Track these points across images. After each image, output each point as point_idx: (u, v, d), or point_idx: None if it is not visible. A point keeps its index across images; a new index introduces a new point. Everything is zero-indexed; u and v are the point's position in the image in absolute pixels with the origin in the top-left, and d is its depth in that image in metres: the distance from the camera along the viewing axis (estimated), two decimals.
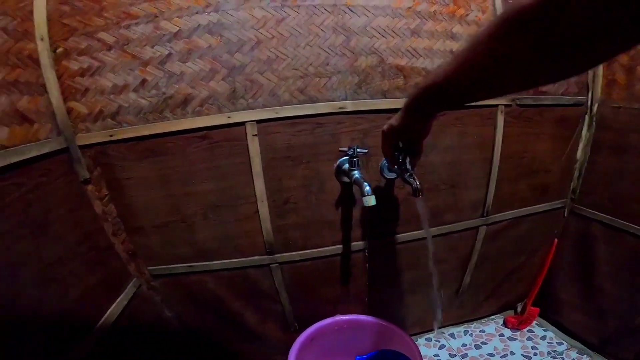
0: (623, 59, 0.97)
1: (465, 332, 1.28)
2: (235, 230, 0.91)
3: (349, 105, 0.85)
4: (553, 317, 1.28)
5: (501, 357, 1.16)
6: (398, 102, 0.87)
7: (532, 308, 1.28)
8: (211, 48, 0.76)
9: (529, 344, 1.21)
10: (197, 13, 0.75)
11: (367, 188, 0.75)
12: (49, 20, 0.69)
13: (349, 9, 0.81)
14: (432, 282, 0.88)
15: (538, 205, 1.15)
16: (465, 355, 1.18)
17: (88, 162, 0.78)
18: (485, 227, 1.11)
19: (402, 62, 0.87)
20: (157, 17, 0.73)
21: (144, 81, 0.75)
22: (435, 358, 1.18)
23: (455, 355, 1.18)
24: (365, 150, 0.85)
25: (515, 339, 1.23)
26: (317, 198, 0.92)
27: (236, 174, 0.85)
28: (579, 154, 1.13)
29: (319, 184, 0.91)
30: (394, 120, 0.56)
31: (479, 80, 0.36)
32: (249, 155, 0.83)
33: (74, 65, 0.72)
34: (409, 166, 0.68)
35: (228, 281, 0.97)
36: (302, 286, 1.02)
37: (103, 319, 0.76)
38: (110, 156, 0.79)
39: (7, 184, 0.58)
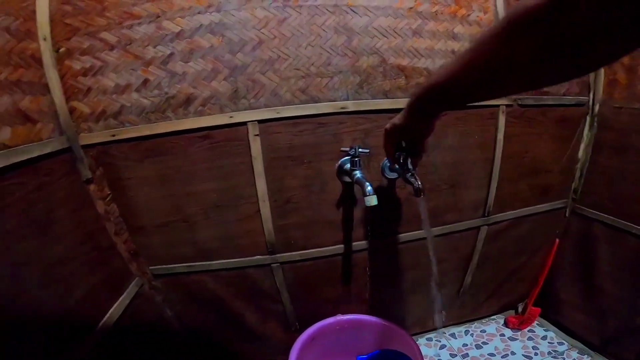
0: (624, 59, 0.97)
1: (466, 332, 1.28)
2: (236, 230, 0.91)
3: (351, 105, 0.85)
4: (554, 317, 1.28)
5: (502, 357, 1.16)
6: (399, 102, 0.87)
7: (533, 308, 1.28)
8: (213, 48, 0.77)
9: (530, 344, 1.21)
10: (199, 13, 0.75)
11: (369, 188, 0.75)
12: (52, 20, 0.70)
13: (351, 9, 0.82)
14: (432, 282, 0.88)
15: (539, 206, 1.15)
16: (466, 355, 1.18)
17: (90, 162, 0.78)
18: (486, 227, 1.11)
19: (404, 62, 0.87)
20: (159, 17, 0.73)
21: (146, 81, 0.76)
22: (436, 358, 1.18)
23: (456, 355, 1.18)
24: (367, 150, 0.85)
25: (516, 339, 1.24)
26: (319, 198, 0.92)
27: (238, 174, 0.85)
28: (580, 154, 1.13)
29: (321, 184, 0.91)
30: (397, 119, 0.56)
31: (482, 80, 0.37)
32: (250, 155, 0.84)
33: (76, 65, 0.72)
34: (410, 166, 0.68)
35: (229, 281, 0.97)
36: (303, 286, 1.03)
37: (105, 319, 0.76)
38: (113, 156, 0.79)
39: (10, 183, 0.58)
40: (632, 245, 0.99)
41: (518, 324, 1.27)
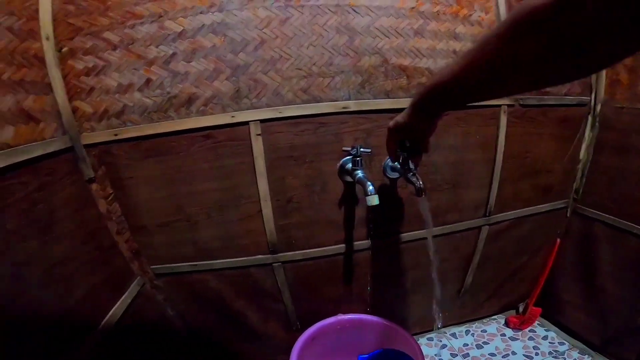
0: (627, 59, 0.97)
1: (467, 331, 1.28)
2: (238, 229, 0.91)
3: (352, 105, 0.86)
4: (555, 317, 1.28)
5: (503, 357, 1.16)
6: (401, 102, 0.87)
7: (534, 308, 1.28)
8: (215, 48, 0.77)
9: (531, 344, 1.21)
10: (201, 13, 0.75)
11: (370, 187, 0.75)
12: (55, 19, 0.70)
13: (353, 9, 0.82)
14: (433, 282, 0.88)
15: (540, 206, 1.15)
16: (467, 355, 1.18)
17: (93, 161, 0.78)
18: (487, 227, 1.11)
19: (406, 62, 0.87)
20: (161, 16, 0.74)
21: (148, 81, 0.76)
22: (437, 358, 1.18)
23: (457, 355, 1.18)
24: (369, 150, 0.85)
25: (517, 339, 1.24)
26: (320, 197, 0.92)
27: (240, 174, 0.86)
28: (581, 154, 1.12)
29: (322, 184, 0.91)
30: (400, 117, 0.57)
31: (485, 80, 0.37)
32: (252, 154, 0.84)
33: (79, 65, 0.73)
34: (412, 165, 0.68)
35: (231, 280, 0.98)
36: (305, 285, 1.03)
37: (107, 318, 0.76)
38: (115, 155, 0.79)
39: (13, 183, 0.58)
40: (634, 245, 0.99)
41: (519, 323, 1.27)
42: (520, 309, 1.32)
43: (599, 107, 1.06)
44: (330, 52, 0.82)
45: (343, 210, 0.95)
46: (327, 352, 1.01)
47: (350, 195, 0.94)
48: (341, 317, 1.03)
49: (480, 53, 0.35)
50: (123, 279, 0.87)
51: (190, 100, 0.78)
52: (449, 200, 1.03)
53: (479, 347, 1.21)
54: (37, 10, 0.68)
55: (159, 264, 0.93)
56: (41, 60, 0.69)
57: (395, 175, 0.93)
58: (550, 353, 1.16)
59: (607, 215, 1.07)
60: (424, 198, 0.75)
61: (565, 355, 1.15)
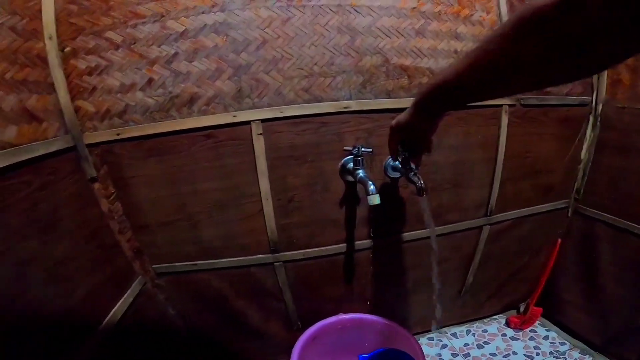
0: (628, 60, 0.97)
1: (468, 331, 1.28)
2: (239, 228, 0.91)
3: (354, 105, 0.86)
4: (556, 317, 1.28)
5: (503, 356, 1.16)
6: (402, 102, 0.87)
7: (535, 308, 1.28)
8: (217, 47, 0.77)
9: (532, 343, 1.21)
10: (203, 13, 0.75)
11: (372, 187, 0.75)
12: (57, 19, 0.70)
13: (354, 9, 0.82)
14: (434, 281, 0.88)
15: (541, 205, 1.15)
16: (468, 354, 1.18)
17: (95, 161, 0.79)
18: (488, 226, 1.11)
19: (407, 62, 0.87)
20: (163, 16, 0.74)
21: (150, 80, 0.76)
22: (438, 357, 1.18)
23: (458, 355, 1.18)
24: (370, 150, 0.85)
25: (518, 339, 1.24)
26: (322, 197, 0.92)
27: (241, 173, 0.86)
28: (583, 154, 1.12)
29: (324, 183, 0.91)
30: (402, 116, 0.57)
31: (487, 80, 0.37)
32: (254, 154, 0.84)
33: (81, 64, 0.73)
34: (413, 165, 0.68)
35: (232, 279, 0.98)
36: (306, 285, 1.03)
37: (108, 317, 0.76)
38: (117, 154, 0.80)
39: (15, 182, 0.59)
40: (635, 245, 0.99)
41: (520, 323, 1.27)
42: (521, 309, 1.32)
43: (600, 107, 1.06)
44: (331, 52, 0.82)
45: (344, 210, 0.96)
46: (328, 351, 1.01)
47: (352, 194, 0.94)
48: (342, 316, 1.03)
49: (483, 53, 0.35)
50: (125, 278, 0.87)
51: (192, 99, 0.78)
52: (450, 200, 1.03)
53: (479, 347, 1.21)
54: (39, 10, 0.68)
55: (161, 263, 0.93)
56: (44, 59, 0.69)
57: (396, 174, 0.93)
58: (551, 353, 1.16)
59: (608, 215, 1.07)
60: (425, 197, 0.75)
61: (566, 355, 1.15)
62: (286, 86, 0.82)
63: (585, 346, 1.16)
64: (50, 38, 0.69)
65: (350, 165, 0.87)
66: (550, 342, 1.21)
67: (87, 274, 0.73)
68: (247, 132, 0.82)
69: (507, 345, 1.21)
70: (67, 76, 0.73)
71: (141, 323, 0.89)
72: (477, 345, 1.22)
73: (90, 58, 0.73)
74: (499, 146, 1.01)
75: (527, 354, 1.17)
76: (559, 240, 1.22)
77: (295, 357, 0.90)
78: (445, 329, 1.29)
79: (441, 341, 1.25)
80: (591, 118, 1.08)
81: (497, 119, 0.98)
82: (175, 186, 0.85)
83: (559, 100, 1.03)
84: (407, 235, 1.04)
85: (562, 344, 1.20)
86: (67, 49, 0.72)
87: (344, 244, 1.00)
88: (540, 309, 1.28)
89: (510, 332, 1.27)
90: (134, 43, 0.74)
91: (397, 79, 0.88)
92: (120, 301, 0.81)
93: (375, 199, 0.74)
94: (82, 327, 0.70)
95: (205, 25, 0.76)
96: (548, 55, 0.29)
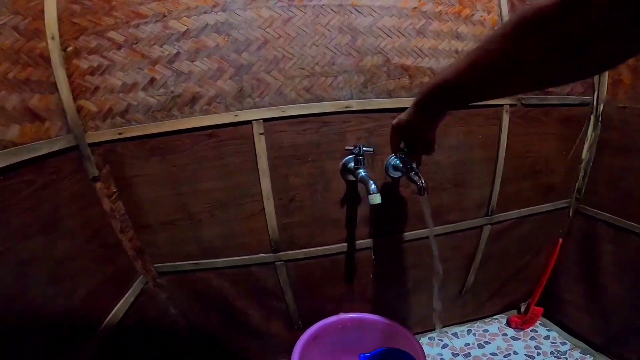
0: (629, 59, 0.97)
1: (469, 331, 1.28)
2: (241, 228, 0.92)
3: (355, 105, 0.86)
4: (557, 317, 1.28)
5: (504, 356, 1.16)
6: (403, 102, 0.88)
7: (536, 308, 1.28)
8: (219, 47, 0.77)
9: (532, 343, 1.21)
10: (205, 12, 0.75)
11: (373, 186, 0.76)
12: (60, 19, 0.70)
13: (355, 9, 0.82)
14: (434, 281, 0.88)
15: (543, 205, 1.15)
16: (468, 354, 1.18)
17: (97, 160, 0.79)
18: (489, 226, 1.11)
19: (408, 61, 0.87)
20: (165, 16, 0.74)
21: (152, 80, 0.76)
22: (439, 357, 1.18)
23: (458, 355, 1.18)
24: (371, 149, 0.86)
25: (519, 339, 1.24)
26: (323, 196, 0.93)
27: (243, 172, 0.86)
28: (584, 153, 1.12)
29: (325, 183, 0.91)
30: (403, 115, 0.57)
31: (488, 80, 0.37)
32: (255, 153, 0.84)
33: (84, 64, 0.73)
34: (414, 165, 0.69)
35: (233, 279, 0.98)
36: (307, 284, 1.03)
37: (110, 316, 0.76)
38: (119, 154, 0.80)
39: (18, 181, 0.59)
40: (636, 245, 0.99)
41: (521, 323, 1.27)
42: (522, 309, 1.32)
43: (601, 107, 1.06)
44: (332, 51, 0.82)
45: (345, 209, 0.96)
46: (329, 351, 1.01)
47: (353, 194, 0.94)
48: (343, 316, 1.03)
49: (484, 52, 0.35)
50: (126, 277, 0.87)
51: (193, 99, 0.79)
52: (450, 200, 1.03)
53: (480, 346, 1.21)
54: (42, 10, 0.69)
55: (162, 262, 0.94)
56: (46, 59, 0.69)
57: (397, 174, 0.93)
58: (552, 353, 1.16)
59: (610, 215, 1.07)
60: (426, 197, 0.75)
61: (567, 355, 1.15)
62: (287, 86, 0.82)
63: (586, 346, 1.16)
64: (52, 38, 0.70)
65: (352, 164, 0.87)
66: (551, 342, 1.21)
67: (88, 273, 0.73)
68: (249, 132, 0.83)
69: (507, 345, 1.21)
70: (70, 76, 0.73)
71: (142, 322, 0.89)
72: (477, 345, 1.22)
73: (92, 58, 0.73)
74: (499, 146, 1.01)
75: (528, 353, 1.17)
76: (560, 240, 1.22)
77: (296, 356, 0.90)
78: (446, 328, 1.29)
79: (442, 341, 1.25)
80: (592, 118, 1.08)
81: (498, 118, 0.98)
82: (177, 185, 0.85)
83: (560, 100, 1.03)
84: (408, 234, 1.04)
85: (563, 343, 1.20)
86: (70, 49, 0.72)
87: (345, 244, 1.00)
88: (541, 309, 1.28)
89: (511, 331, 1.27)
90: (136, 43, 0.74)
91: (398, 78, 0.88)
92: (122, 300, 0.82)
93: (376, 199, 0.74)
94: (83, 327, 0.70)
95: (207, 25, 0.76)
96: (549, 56, 0.29)
